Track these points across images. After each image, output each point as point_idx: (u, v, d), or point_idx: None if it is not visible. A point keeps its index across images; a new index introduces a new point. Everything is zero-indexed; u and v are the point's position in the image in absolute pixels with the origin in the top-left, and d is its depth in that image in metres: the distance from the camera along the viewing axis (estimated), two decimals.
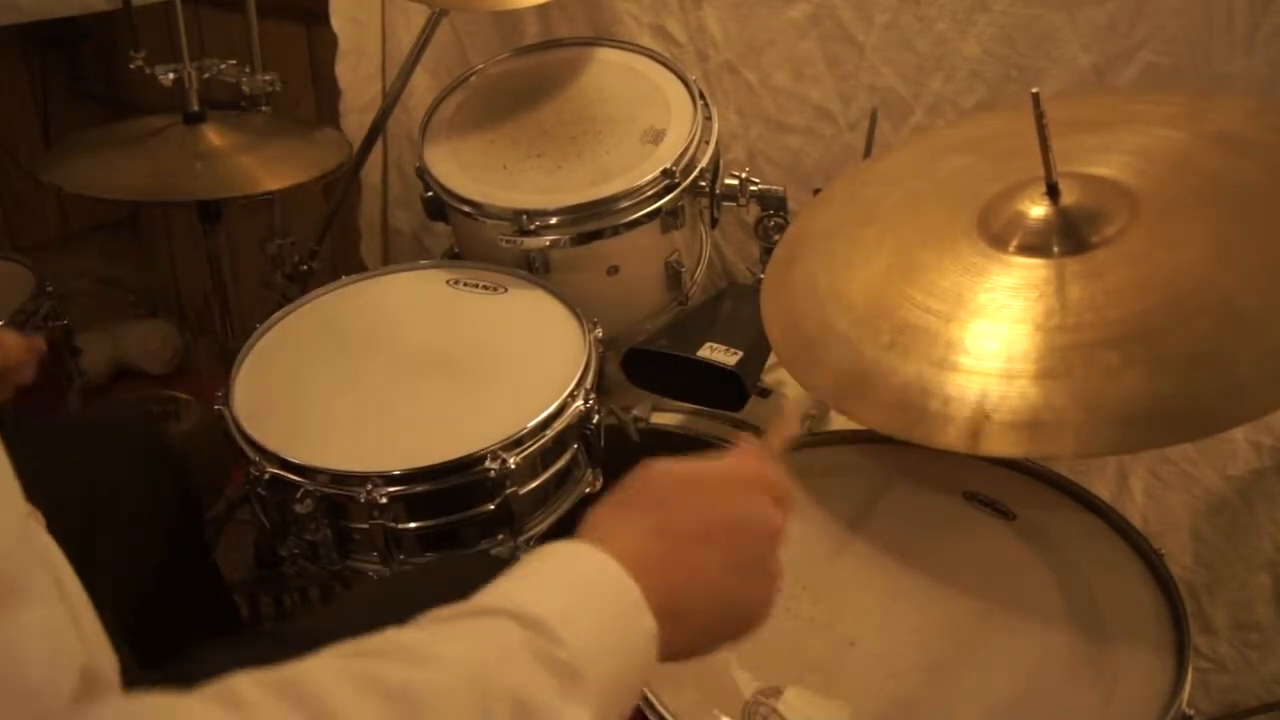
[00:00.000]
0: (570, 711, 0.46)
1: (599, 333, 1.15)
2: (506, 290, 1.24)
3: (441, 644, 0.46)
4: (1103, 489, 1.30)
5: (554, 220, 1.24)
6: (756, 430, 1.19)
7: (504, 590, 0.50)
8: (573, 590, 0.50)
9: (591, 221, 1.25)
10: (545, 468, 1.05)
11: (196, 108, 1.45)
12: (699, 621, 0.54)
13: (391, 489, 0.98)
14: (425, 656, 0.45)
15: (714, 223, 1.41)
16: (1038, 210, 0.87)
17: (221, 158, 1.40)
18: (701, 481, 0.59)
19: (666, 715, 0.80)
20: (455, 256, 1.37)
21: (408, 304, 1.23)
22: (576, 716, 0.46)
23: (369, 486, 0.98)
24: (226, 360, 1.15)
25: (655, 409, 1.28)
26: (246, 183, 1.37)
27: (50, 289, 1.44)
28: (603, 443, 1.13)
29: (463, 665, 0.45)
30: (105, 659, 0.52)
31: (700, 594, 0.55)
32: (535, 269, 1.26)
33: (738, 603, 0.57)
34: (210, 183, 1.38)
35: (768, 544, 0.58)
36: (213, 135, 1.44)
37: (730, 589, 0.56)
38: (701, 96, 1.34)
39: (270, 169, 1.40)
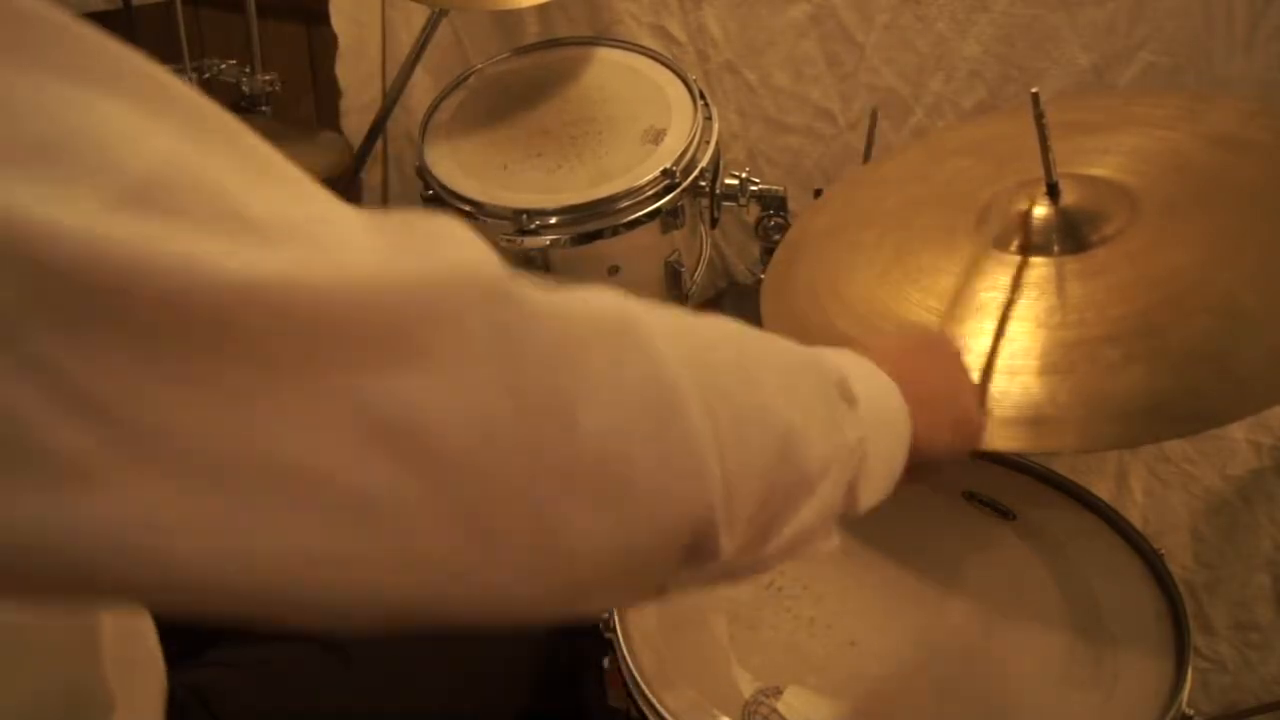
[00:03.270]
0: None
1: None
2: None
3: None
4: (1103, 489, 1.30)
5: (554, 220, 1.24)
6: None
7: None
8: (856, 368, 0.55)
9: (591, 221, 1.25)
10: None
11: None
12: (931, 406, 0.60)
13: None
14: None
15: (714, 223, 1.41)
16: (1038, 210, 0.87)
17: None
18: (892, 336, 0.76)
19: (666, 715, 0.80)
20: None
21: None
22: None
23: None
24: None
25: None
26: None
27: None
28: None
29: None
30: None
31: (930, 390, 0.62)
32: (535, 269, 1.26)
33: (959, 403, 0.67)
34: None
35: (958, 358, 0.71)
36: None
37: (953, 390, 0.67)
38: (702, 96, 1.34)
39: None
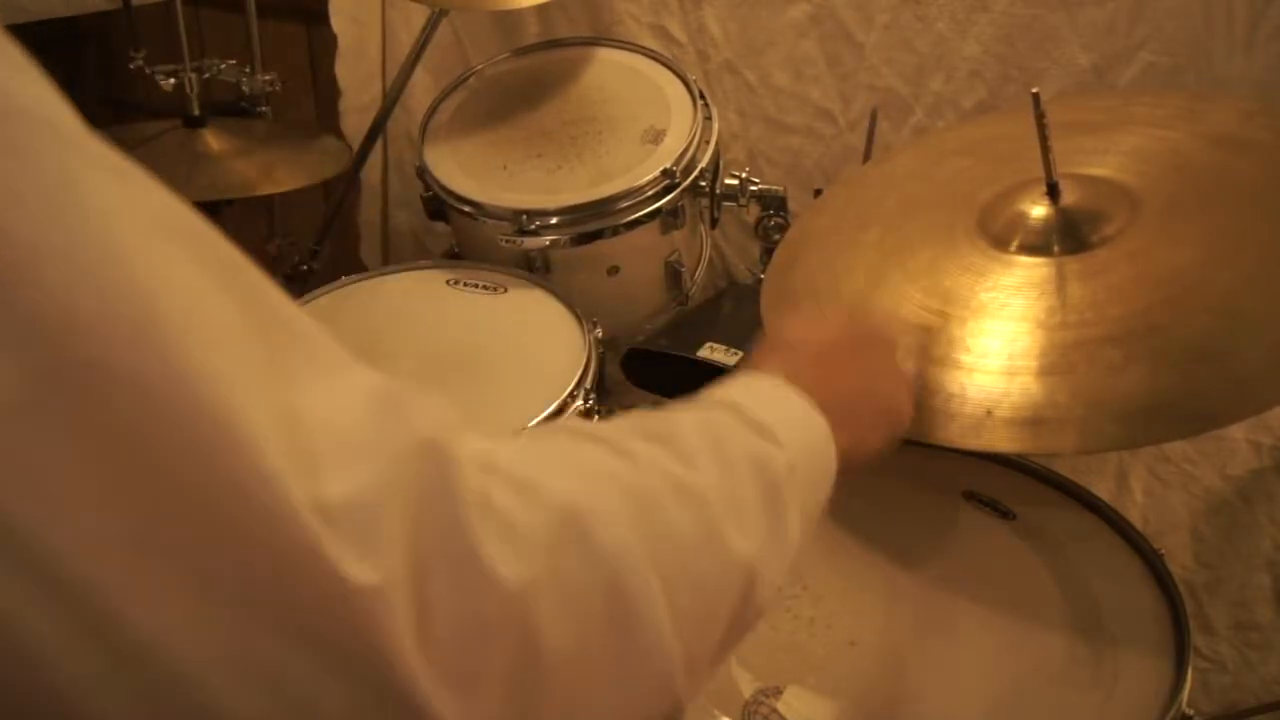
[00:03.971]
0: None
1: (599, 333, 1.15)
2: (506, 290, 1.24)
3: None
4: (1103, 489, 1.30)
5: (554, 220, 1.24)
6: None
7: (722, 395, 0.55)
8: (763, 399, 0.56)
9: (591, 221, 1.25)
10: None
11: (196, 112, 1.45)
12: (854, 418, 0.60)
13: None
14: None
15: (714, 223, 1.41)
16: (1038, 210, 0.88)
17: (220, 163, 1.40)
18: (817, 321, 0.73)
19: None
20: (455, 256, 1.37)
21: (407, 304, 1.23)
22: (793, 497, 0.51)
23: None
24: None
25: (655, 409, 1.27)
26: (245, 189, 1.37)
27: None
28: None
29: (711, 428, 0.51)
30: None
31: (849, 393, 0.61)
32: (535, 269, 1.26)
33: (881, 395, 0.66)
34: (208, 186, 1.38)
35: (889, 350, 0.70)
36: (212, 140, 1.44)
37: (871, 386, 0.66)
38: (701, 96, 1.34)
39: (269, 176, 1.40)
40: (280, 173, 1.41)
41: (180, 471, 0.30)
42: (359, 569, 0.32)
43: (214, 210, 1.50)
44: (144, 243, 0.31)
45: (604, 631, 0.39)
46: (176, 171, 1.38)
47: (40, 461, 0.28)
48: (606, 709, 0.40)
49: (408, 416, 0.36)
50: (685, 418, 0.51)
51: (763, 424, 0.52)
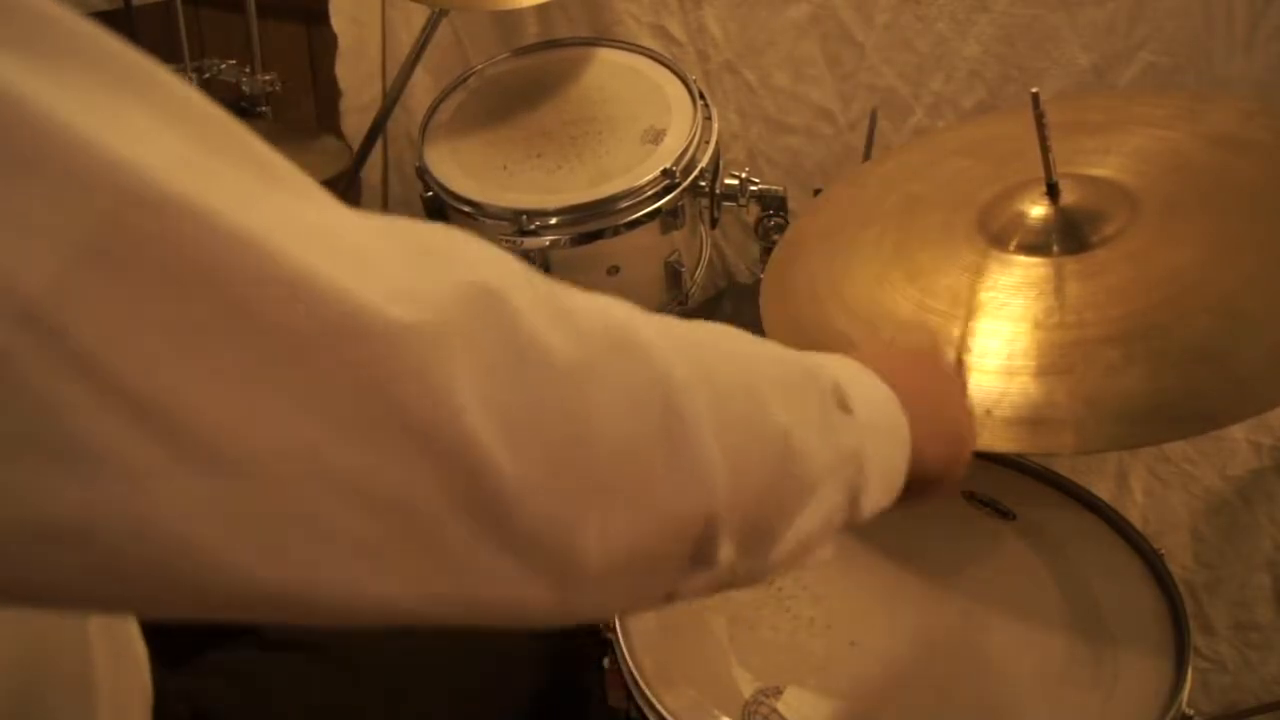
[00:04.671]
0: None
1: None
2: None
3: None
4: (1103, 489, 1.30)
5: (554, 220, 1.24)
6: None
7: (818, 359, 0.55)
8: (854, 376, 0.56)
9: (591, 221, 1.25)
10: None
11: None
12: (930, 422, 0.60)
13: None
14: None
15: (714, 223, 1.41)
16: (1037, 210, 0.88)
17: None
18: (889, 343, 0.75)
19: (666, 715, 0.80)
20: None
21: None
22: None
23: None
24: None
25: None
26: None
27: None
28: None
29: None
30: None
31: (927, 395, 0.61)
32: (535, 269, 1.25)
33: (950, 420, 0.65)
34: None
35: (958, 382, 0.70)
36: None
37: (946, 400, 0.65)
38: (701, 96, 1.34)
39: None
40: None
41: (247, 303, 0.30)
42: (412, 316, 0.32)
43: None
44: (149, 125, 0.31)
45: (652, 429, 0.39)
46: None
47: (120, 294, 0.28)
48: (646, 505, 0.40)
49: (448, 261, 0.36)
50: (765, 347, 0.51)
51: (839, 386, 0.52)
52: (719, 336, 0.48)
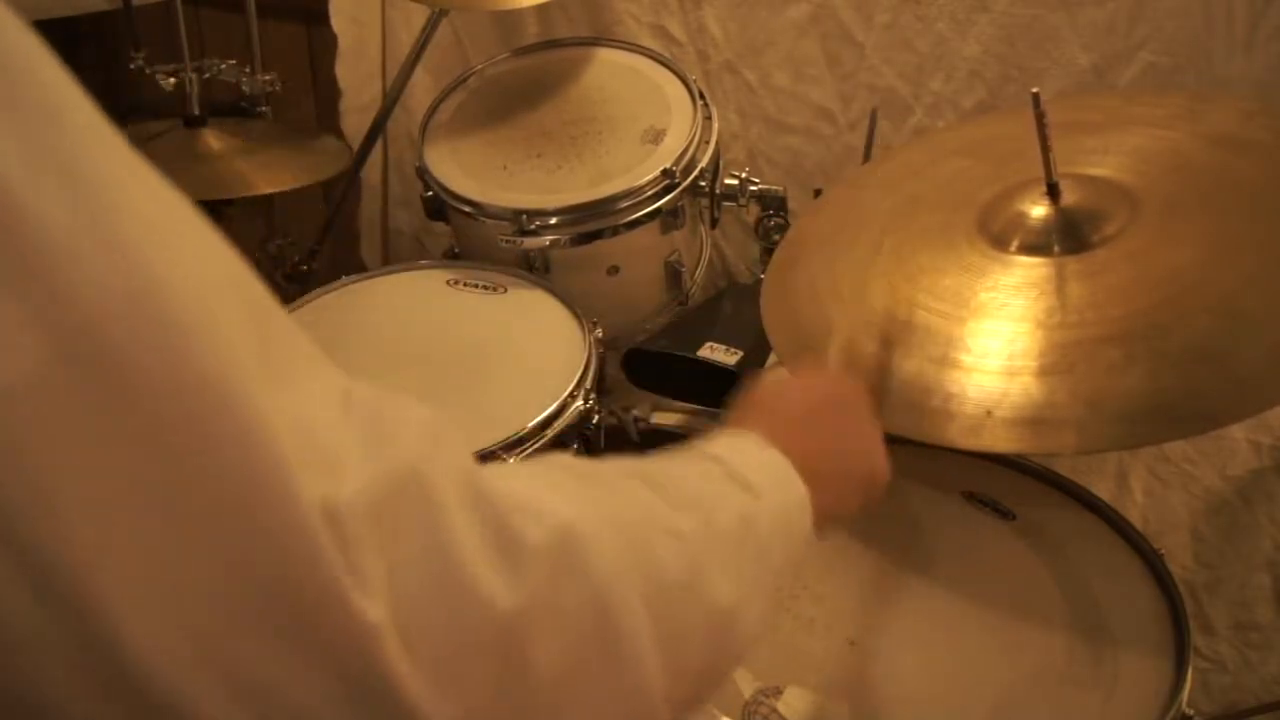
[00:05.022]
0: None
1: (599, 333, 1.15)
2: (506, 290, 1.23)
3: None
4: (1103, 489, 1.30)
5: (554, 220, 1.24)
6: None
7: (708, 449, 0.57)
8: (746, 456, 0.57)
9: (591, 221, 1.25)
10: None
11: (197, 112, 1.45)
12: (832, 478, 0.61)
13: None
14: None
15: (714, 223, 1.41)
16: (1038, 210, 0.87)
17: (220, 162, 1.40)
18: (791, 382, 0.74)
19: None
20: (455, 256, 1.37)
21: (408, 304, 1.23)
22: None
23: None
24: None
25: (655, 409, 1.28)
26: (244, 188, 1.38)
27: None
28: (603, 443, 1.13)
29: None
30: None
31: (826, 454, 0.62)
32: (535, 269, 1.26)
33: (856, 456, 0.67)
34: (208, 186, 1.38)
35: (863, 410, 0.70)
36: (212, 140, 1.44)
37: (847, 447, 0.67)
38: (701, 96, 1.34)
39: (269, 175, 1.40)
40: (280, 172, 1.41)
41: (198, 468, 0.30)
42: (358, 590, 0.32)
43: (215, 211, 1.50)
44: (162, 239, 0.32)
45: (592, 655, 0.40)
46: (177, 171, 1.37)
47: (51, 443, 0.28)
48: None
49: (391, 436, 0.36)
50: (674, 466, 0.53)
51: (746, 480, 0.54)
52: (643, 508, 0.47)
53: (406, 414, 0.38)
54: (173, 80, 1.45)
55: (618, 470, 0.49)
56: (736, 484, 0.53)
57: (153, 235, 0.31)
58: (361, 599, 0.32)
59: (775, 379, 0.71)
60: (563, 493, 0.42)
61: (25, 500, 0.28)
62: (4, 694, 0.30)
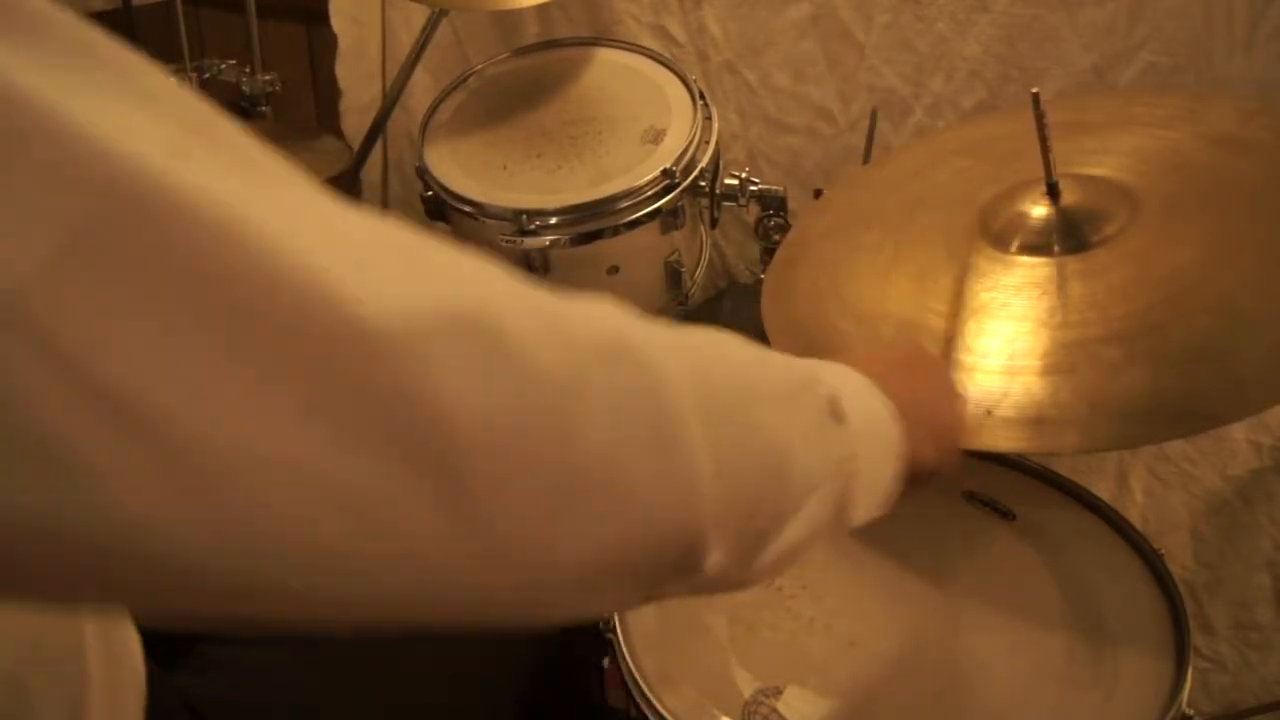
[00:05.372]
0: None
1: None
2: None
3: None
4: (1103, 489, 1.30)
5: (554, 220, 1.24)
6: None
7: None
8: (849, 385, 0.57)
9: (591, 221, 1.25)
10: None
11: None
12: (919, 428, 0.60)
13: None
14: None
15: (714, 223, 1.41)
16: (1038, 210, 0.87)
17: None
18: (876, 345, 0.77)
19: (666, 715, 0.80)
20: None
21: None
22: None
23: None
24: None
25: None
26: None
27: None
28: None
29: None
30: None
31: (917, 402, 0.62)
32: (535, 269, 1.26)
33: (942, 411, 0.68)
34: None
35: (947, 373, 0.73)
36: None
37: (935, 400, 0.68)
38: (701, 96, 1.34)
39: None
40: None
41: (247, 308, 0.30)
42: (398, 321, 0.32)
43: None
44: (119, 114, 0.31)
45: (641, 439, 0.39)
46: None
47: (104, 289, 0.28)
48: (630, 513, 0.39)
49: (428, 260, 0.36)
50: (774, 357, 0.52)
51: (834, 395, 0.53)
52: (716, 342, 0.48)
53: (443, 246, 0.38)
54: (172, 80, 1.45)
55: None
56: (824, 398, 0.52)
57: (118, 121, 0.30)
58: (420, 379, 0.32)
59: (855, 343, 0.74)
60: (623, 313, 0.42)
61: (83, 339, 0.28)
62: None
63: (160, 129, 0.31)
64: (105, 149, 0.28)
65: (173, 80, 0.33)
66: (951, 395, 0.71)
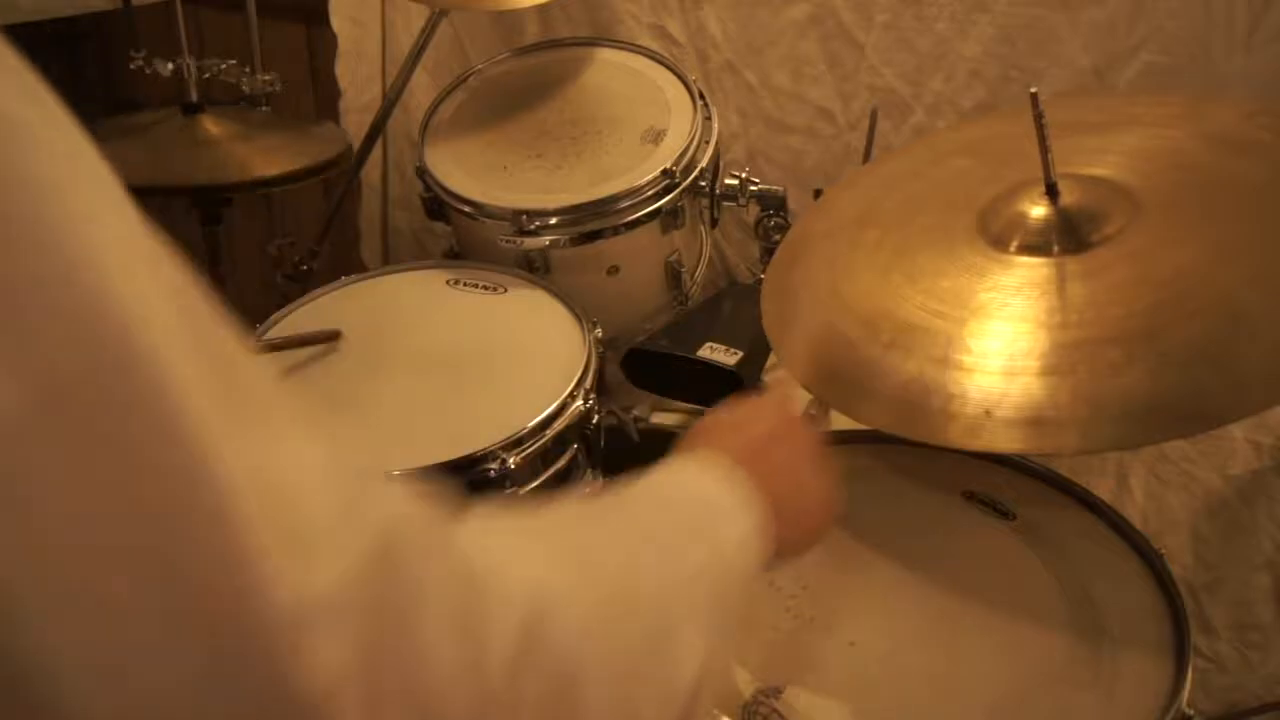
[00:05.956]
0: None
1: (599, 333, 1.15)
2: (506, 290, 1.24)
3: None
4: (1103, 489, 1.30)
5: (554, 220, 1.24)
6: None
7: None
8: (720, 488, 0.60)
9: (591, 221, 1.25)
10: (545, 468, 1.05)
11: (195, 99, 1.46)
12: (789, 510, 0.63)
13: None
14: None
15: (714, 223, 1.41)
16: (1038, 210, 0.87)
17: (219, 146, 1.41)
18: (739, 415, 0.74)
19: None
20: (455, 256, 1.37)
21: (408, 304, 1.23)
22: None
23: None
24: None
25: (655, 409, 1.28)
26: (243, 170, 1.38)
27: None
28: (603, 443, 1.13)
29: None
30: None
31: (782, 485, 0.64)
32: (535, 269, 1.26)
33: (811, 489, 0.70)
34: (207, 169, 1.38)
35: (807, 443, 0.73)
36: (210, 125, 1.45)
37: (800, 479, 0.69)
38: (701, 96, 1.34)
39: (267, 157, 1.40)
40: (280, 155, 1.42)
41: (168, 535, 0.30)
42: (318, 663, 0.32)
43: (215, 211, 1.50)
44: (130, 279, 0.32)
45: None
46: (176, 157, 1.38)
47: (30, 480, 0.29)
48: None
49: (369, 508, 0.36)
50: (641, 504, 0.56)
51: (711, 506, 0.57)
52: (634, 562, 0.50)
53: (384, 486, 0.38)
54: (170, 66, 1.45)
55: (576, 517, 0.51)
56: (702, 516, 0.56)
57: (120, 273, 0.32)
58: (317, 671, 0.32)
59: (722, 413, 0.73)
60: (536, 561, 0.43)
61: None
62: None
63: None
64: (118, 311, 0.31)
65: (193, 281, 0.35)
66: (813, 473, 0.71)
